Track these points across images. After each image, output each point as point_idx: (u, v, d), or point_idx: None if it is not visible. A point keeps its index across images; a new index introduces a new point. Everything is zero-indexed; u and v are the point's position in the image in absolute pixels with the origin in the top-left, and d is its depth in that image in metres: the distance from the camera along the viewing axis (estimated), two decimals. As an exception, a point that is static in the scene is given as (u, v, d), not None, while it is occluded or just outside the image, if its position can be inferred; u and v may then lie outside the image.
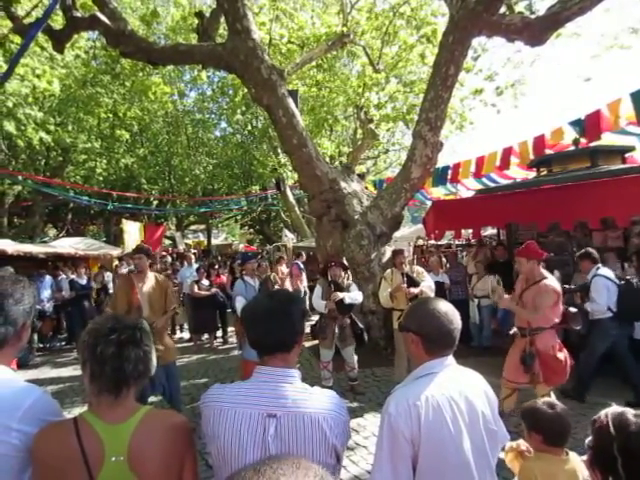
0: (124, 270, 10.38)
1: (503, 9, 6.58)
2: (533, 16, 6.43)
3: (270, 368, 1.49)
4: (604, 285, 4.99)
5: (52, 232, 24.72)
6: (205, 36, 7.59)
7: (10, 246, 10.18)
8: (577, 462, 2.15)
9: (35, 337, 8.69)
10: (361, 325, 5.78)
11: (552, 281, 4.17)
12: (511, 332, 4.38)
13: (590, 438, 1.52)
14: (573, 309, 4.40)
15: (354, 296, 5.61)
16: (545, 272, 4.33)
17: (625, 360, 5.03)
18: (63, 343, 9.89)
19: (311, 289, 6.50)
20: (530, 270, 4.24)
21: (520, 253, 4.32)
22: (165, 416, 1.51)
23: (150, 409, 1.47)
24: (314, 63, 11.82)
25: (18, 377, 1.50)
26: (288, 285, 10.37)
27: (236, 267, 9.69)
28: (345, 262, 6.17)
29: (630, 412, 1.40)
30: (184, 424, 1.50)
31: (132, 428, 1.37)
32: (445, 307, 1.72)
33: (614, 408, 1.48)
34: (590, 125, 8.60)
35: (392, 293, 5.61)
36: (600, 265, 5.25)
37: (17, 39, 8.97)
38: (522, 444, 2.28)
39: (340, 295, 5.45)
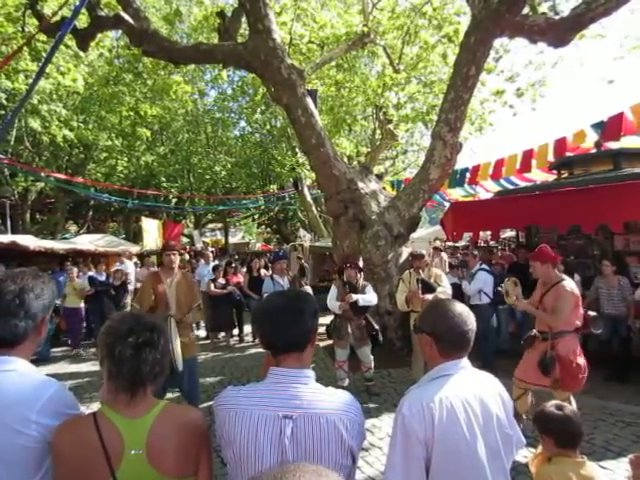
0: (120, 266, 10.55)
1: (526, 10, 6.50)
2: (557, 17, 6.34)
3: (284, 369, 1.49)
4: (483, 277, 6.40)
5: (73, 229, 25.17)
6: (226, 35, 7.65)
7: (32, 242, 10.40)
8: (595, 471, 2.14)
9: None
10: (376, 326, 5.77)
11: (570, 283, 4.11)
12: (531, 334, 4.32)
13: None
14: (593, 312, 4.35)
15: (368, 298, 5.60)
16: (562, 275, 4.28)
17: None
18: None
19: (326, 289, 6.54)
20: (545, 273, 4.20)
21: (534, 257, 4.29)
22: (182, 411, 1.53)
23: (167, 404, 1.49)
24: (334, 63, 11.82)
25: (37, 371, 1.53)
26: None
27: (253, 266, 9.71)
28: (361, 263, 6.17)
29: None
30: (200, 420, 1.52)
31: (150, 422, 1.39)
32: (459, 308, 1.71)
33: None
34: (611, 127, 8.47)
35: (407, 299, 5.60)
36: (481, 262, 6.81)
37: (42, 37, 9.18)
38: (544, 451, 2.28)
39: (354, 297, 5.46)
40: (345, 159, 12.73)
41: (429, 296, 5.33)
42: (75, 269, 9.40)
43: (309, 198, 16.84)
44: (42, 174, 15.79)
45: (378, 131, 14.46)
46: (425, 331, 1.71)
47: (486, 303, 6.41)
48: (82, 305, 9.19)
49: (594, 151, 8.16)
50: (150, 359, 1.41)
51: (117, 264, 10.92)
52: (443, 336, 1.66)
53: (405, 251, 7.81)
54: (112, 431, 1.35)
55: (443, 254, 10.07)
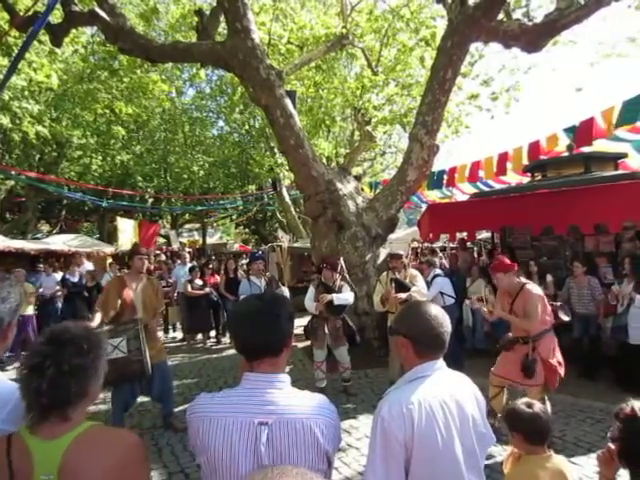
0: (84, 269, 10.31)
1: (501, 16, 6.64)
2: (530, 23, 6.49)
3: (258, 374, 1.46)
4: (439, 282, 6.50)
5: (45, 228, 24.56)
6: (204, 34, 7.59)
7: (0, 242, 10.13)
8: (563, 463, 2.20)
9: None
10: (353, 326, 5.80)
11: (533, 286, 4.24)
12: (509, 338, 4.39)
13: (614, 432, 1.63)
14: (557, 303, 4.50)
15: (343, 297, 5.60)
16: (522, 279, 4.39)
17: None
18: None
19: (304, 290, 6.55)
20: (509, 283, 4.28)
21: (496, 269, 4.31)
22: (110, 435, 1.40)
23: (93, 426, 1.36)
24: (313, 64, 11.83)
25: (2, 376, 1.48)
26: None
27: (229, 266, 9.63)
28: (342, 262, 6.19)
29: None
30: (132, 446, 1.37)
31: (65, 445, 1.28)
32: (435, 310, 1.73)
33: (635, 401, 1.64)
34: (582, 131, 8.71)
35: (382, 298, 5.64)
36: (436, 269, 6.89)
37: (14, 32, 8.93)
38: (517, 451, 2.33)
39: (328, 297, 5.46)
40: (324, 160, 12.75)
41: (402, 295, 5.38)
42: (22, 271, 8.46)
43: (288, 199, 16.85)
44: (12, 172, 15.37)
45: (357, 132, 14.53)
46: (401, 333, 1.73)
47: (451, 304, 6.48)
48: (31, 312, 8.33)
49: (566, 154, 8.38)
50: (33, 387, 1.27)
51: (76, 268, 10.35)
52: (419, 338, 1.68)
53: (383, 252, 7.88)
54: (23, 454, 1.25)
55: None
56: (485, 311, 4.60)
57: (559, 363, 4.08)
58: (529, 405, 2.28)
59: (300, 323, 7.92)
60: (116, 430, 1.51)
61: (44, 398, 1.27)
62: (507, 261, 4.36)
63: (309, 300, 5.67)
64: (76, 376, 1.31)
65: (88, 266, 11.24)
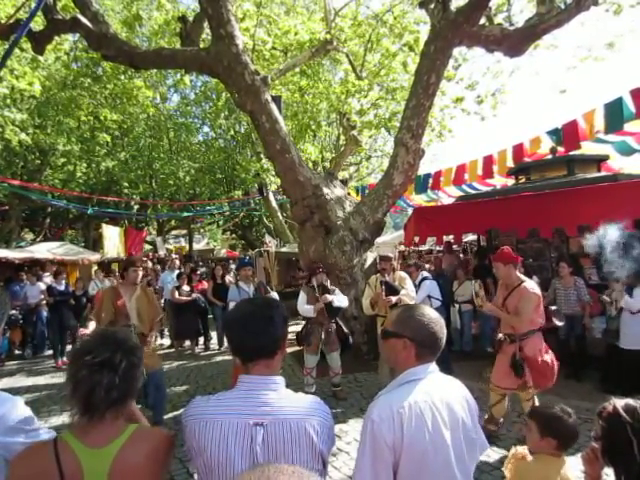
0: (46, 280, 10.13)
1: (483, 20, 6.72)
2: (512, 28, 6.58)
3: (254, 376, 1.49)
4: (427, 285, 6.61)
5: (29, 237, 24.22)
6: (188, 40, 7.55)
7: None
8: (570, 469, 2.22)
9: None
10: (346, 330, 5.82)
11: (531, 284, 4.24)
12: (497, 338, 4.42)
13: (597, 430, 1.67)
14: (553, 307, 4.51)
15: (341, 299, 5.70)
16: (522, 276, 4.41)
17: None
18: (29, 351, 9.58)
19: (292, 295, 6.54)
20: (507, 275, 4.30)
21: (496, 258, 4.37)
22: (151, 435, 1.47)
23: (137, 429, 1.42)
24: (298, 69, 11.85)
25: None
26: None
27: (217, 272, 9.57)
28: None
29: (630, 400, 1.62)
30: (169, 440, 1.48)
31: (115, 452, 1.32)
32: (433, 313, 1.74)
33: (617, 400, 1.65)
34: (568, 134, 8.82)
35: (371, 301, 5.66)
36: (423, 272, 7.07)
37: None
38: (520, 452, 2.34)
39: (329, 298, 5.51)
40: (310, 164, 12.77)
41: (393, 298, 5.40)
42: None
43: (274, 204, 16.82)
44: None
45: (342, 137, 14.58)
46: (406, 336, 1.69)
47: (438, 306, 6.50)
48: None
49: (549, 157, 8.47)
50: (105, 382, 1.31)
51: (42, 281, 10.04)
52: (423, 341, 1.67)
53: (370, 256, 7.89)
54: (72, 462, 1.27)
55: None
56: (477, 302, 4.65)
57: (546, 363, 4.10)
58: (569, 414, 2.29)
59: (289, 329, 7.91)
60: (152, 431, 1.57)
61: (115, 391, 1.33)
62: (509, 253, 4.30)
63: (303, 304, 5.67)
64: (139, 368, 1.43)
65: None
